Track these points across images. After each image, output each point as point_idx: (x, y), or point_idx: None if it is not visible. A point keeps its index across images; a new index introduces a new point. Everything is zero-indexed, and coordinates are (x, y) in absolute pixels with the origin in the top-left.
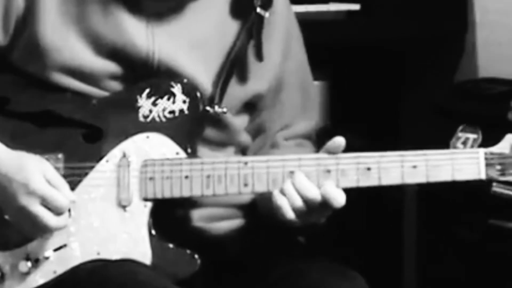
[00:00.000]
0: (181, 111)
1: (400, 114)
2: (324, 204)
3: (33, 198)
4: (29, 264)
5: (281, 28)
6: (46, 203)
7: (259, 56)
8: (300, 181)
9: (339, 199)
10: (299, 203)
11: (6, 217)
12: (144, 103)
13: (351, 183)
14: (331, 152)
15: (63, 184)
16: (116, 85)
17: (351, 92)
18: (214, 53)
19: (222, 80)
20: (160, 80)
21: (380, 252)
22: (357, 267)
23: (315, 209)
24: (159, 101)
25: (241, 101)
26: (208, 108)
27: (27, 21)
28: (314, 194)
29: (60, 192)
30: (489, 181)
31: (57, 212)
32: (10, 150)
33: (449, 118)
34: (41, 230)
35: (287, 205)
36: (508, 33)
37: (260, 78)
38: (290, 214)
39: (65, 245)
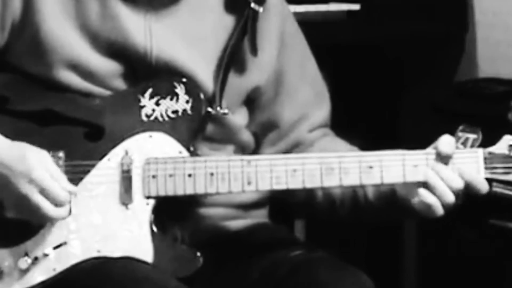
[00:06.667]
0: (184, 110)
1: (400, 114)
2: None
3: (34, 187)
4: (28, 261)
5: (276, 22)
6: (45, 194)
7: (254, 51)
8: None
9: (485, 185)
10: (451, 197)
11: (6, 208)
12: (147, 103)
13: (354, 181)
14: (444, 154)
15: (62, 177)
16: (117, 83)
17: (351, 92)
18: (211, 49)
19: (221, 75)
20: (162, 80)
21: (380, 251)
22: (357, 265)
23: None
24: (162, 101)
25: (240, 96)
26: (210, 109)
27: (26, 20)
28: (461, 184)
29: (59, 184)
30: (487, 181)
31: (56, 203)
32: (12, 142)
33: (449, 118)
34: (40, 220)
35: (438, 203)
36: (508, 33)
37: (257, 71)
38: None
39: (65, 243)
